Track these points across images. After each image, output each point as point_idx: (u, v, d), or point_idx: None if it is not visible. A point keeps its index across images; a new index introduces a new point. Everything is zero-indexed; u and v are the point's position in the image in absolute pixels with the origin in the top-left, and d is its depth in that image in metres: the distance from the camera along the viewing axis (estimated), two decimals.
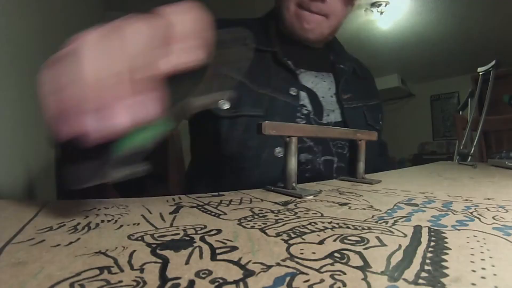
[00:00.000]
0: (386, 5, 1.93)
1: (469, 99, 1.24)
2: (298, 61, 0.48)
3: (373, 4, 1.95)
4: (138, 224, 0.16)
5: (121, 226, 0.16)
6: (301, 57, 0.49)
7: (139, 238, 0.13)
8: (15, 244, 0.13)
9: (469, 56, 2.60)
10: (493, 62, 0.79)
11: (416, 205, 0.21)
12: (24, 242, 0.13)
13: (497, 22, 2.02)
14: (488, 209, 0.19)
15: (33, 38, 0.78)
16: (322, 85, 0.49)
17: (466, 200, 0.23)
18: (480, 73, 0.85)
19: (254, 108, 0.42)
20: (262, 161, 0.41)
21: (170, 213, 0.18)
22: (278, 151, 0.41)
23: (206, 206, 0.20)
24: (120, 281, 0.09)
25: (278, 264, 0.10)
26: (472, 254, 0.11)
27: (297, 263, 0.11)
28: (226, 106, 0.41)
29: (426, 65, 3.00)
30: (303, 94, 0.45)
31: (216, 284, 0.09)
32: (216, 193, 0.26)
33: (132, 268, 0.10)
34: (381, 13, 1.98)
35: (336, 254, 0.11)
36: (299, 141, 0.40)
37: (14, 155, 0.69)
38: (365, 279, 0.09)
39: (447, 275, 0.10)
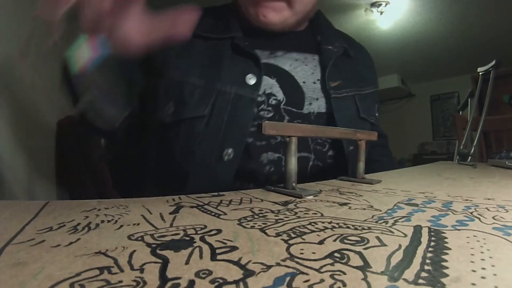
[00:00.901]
0: (386, 5, 1.93)
1: (469, 99, 1.24)
2: (275, 44, 0.41)
3: (373, 4, 1.95)
4: (138, 224, 0.16)
5: (121, 226, 0.16)
6: (279, 40, 0.42)
7: (139, 238, 0.13)
8: (15, 245, 0.13)
9: (469, 56, 2.60)
10: (493, 62, 0.79)
11: (416, 205, 0.21)
12: (24, 242, 0.13)
13: (497, 22, 2.02)
14: (488, 209, 0.19)
15: (31, 38, 0.78)
16: (302, 69, 0.40)
17: (466, 200, 0.23)
18: (480, 73, 0.85)
19: (196, 109, 0.36)
20: (210, 167, 0.36)
21: (170, 213, 0.18)
22: (227, 153, 0.35)
23: (206, 206, 0.20)
24: (120, 281, 0.09)
25: (278, 264, 0.10)
26: (472, 254, 0.11)
27: (297, 263, 0.11)
28: (171, 109, 0.36)
29: (426, 65, 3.00)
30: (270, 81, 0.38)
31: (216, 284, 0.09)
32: (216, 193, 0.26)
33: (132, 268, 0.10)
34: (381, 13, 1.98)
35: (336, 254, 0.11)
36: (264, 138, 0.36)
37: (14, 155, 0.69)
38: (365, 279, 0.09)
39: (447, 275, 0.10)
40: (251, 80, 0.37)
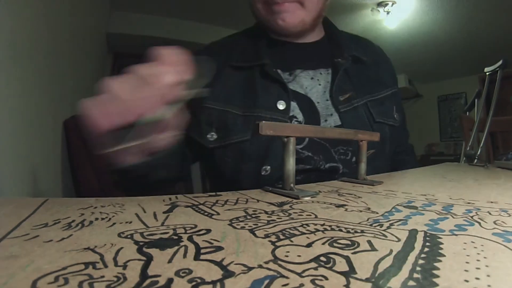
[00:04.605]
0: (392, 4, 1.90)
1: (475, 100, 1.21)
2: (294, 62, 0.46)
3: (379, 4, 1.92)
4: (131, 222, 0.16)
5: (114, 224, 0.16)
6: (297, 57, 0.46)
7: (129, 236, 0.14)
8: (10, 239, 0.13)
9: (476, 56, 2.54)
10: (500, 62, 0.77)
11: (415, 207, 0.20)
12: (19, 237, 0.13)
13: (504, 22, 1.96)
14: (490, 213, 0.19)
15: (37, 39, 0.79)
16: (317, 89, 0.45)
17: (468, 203, 0.22)
18: (487, 73, 0.83)
19: (241, 134, 0.42)
20: (255, 179, 0.41)
21: (163, 212, 0.18)
22: (265, 169, 0.41)
23: (200, 206, 0.20)
24: (102, 276, 0.09)
25: (260, 266, 0.10)
26: (467, 262, 0.11)
27: (280, 265, 0.10)
28: (214, 137, 0.42)
29: (433, 65, 2.94)
30: (293, 105, 0.43)
31: (194, 283, 0.09)
32: (213, 193, 0.26)
33: (116, 264, 0.10)
34: (388, 13, 1.95)
35: (322, 258, 0.11)
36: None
37: (15, 153, 0.70)
38: (347, 285, 0.09)
39: (436, 285, 0.09)
40: (282, 105, 0.42)
